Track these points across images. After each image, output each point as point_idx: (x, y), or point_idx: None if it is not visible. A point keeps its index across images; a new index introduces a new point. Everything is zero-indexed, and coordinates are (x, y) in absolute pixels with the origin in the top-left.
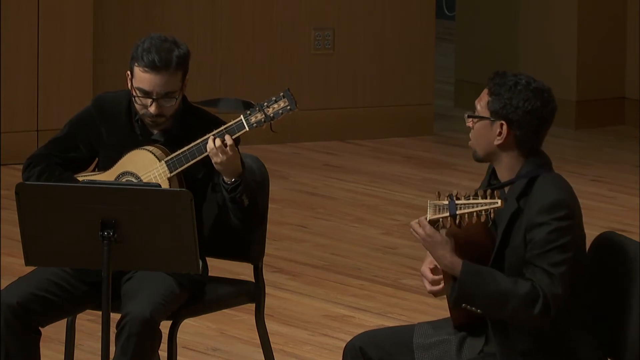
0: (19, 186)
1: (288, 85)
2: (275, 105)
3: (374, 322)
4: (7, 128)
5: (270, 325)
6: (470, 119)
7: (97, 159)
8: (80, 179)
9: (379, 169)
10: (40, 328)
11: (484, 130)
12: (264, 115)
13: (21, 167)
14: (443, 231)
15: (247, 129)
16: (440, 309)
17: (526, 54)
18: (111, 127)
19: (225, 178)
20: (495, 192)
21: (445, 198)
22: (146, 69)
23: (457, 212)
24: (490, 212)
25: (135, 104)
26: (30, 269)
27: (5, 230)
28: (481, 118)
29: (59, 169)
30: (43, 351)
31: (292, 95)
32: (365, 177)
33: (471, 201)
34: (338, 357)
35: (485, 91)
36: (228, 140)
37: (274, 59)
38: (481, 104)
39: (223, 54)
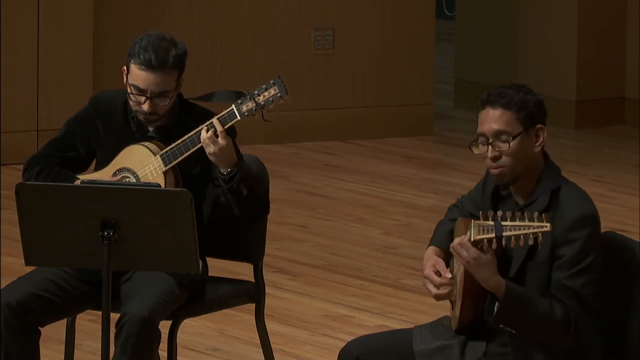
0: (19, 186)
1: (288, 85)
2: (266, 93)
3: (374, 322)
4: (7, 128)
5: (270, 325)
6: (506, 143)
7: (95, 158)
8: (80, 178)
9: (379, 169)
10: (40, 328)
11: (523, 143)
12: (254, 104)
13: (21, 167)
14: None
15: (238, 117)
16: (440, 309)
17: (526, 54)
18: (108, 125)
19: (221, 169)
20: (544, 214)
21: (490, 219)
22: (142, 66)
23: (504, 233)
24: (538, 235)
25: (130, 100)
26: (30, 269)
27: (5, 230)
28: (519, 134)
29: (57, 167)
30: (43, 351)
31: (282, 83)
32: (365, 177)
33: (517, 223)
34: None
35: (498, 112)
36: (217, 126)
37: (274, 59)
38: (505, 122)
39: (223, 54)
